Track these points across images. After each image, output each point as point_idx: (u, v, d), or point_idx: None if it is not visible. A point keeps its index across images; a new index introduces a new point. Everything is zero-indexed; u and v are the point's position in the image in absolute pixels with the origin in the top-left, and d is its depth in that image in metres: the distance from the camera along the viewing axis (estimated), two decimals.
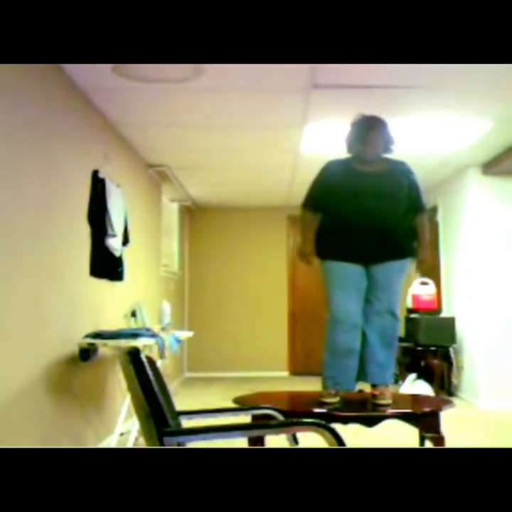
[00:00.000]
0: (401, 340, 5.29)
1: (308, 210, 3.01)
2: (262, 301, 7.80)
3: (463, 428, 4.44)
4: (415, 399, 3.33)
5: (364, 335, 2.89)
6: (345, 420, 2.64)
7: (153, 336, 3.60)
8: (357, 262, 2.86)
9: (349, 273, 2.86)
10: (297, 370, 7.68)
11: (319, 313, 7.34)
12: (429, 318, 5.84)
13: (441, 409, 2.69)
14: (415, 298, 6.03)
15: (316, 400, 2.86)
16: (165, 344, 3.72)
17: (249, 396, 3.10)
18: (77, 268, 3.47)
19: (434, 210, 6.52)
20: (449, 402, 2.83)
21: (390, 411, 2.71)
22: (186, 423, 1.89)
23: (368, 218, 2.82)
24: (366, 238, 2.83)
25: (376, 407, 2.74)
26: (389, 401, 2.78)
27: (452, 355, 5.82)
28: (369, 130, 2.84)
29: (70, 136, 3.39)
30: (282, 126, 4.29)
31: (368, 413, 2.70)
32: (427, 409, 2.73)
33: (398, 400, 3.04)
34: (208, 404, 5.44)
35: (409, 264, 2.96)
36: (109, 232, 3.84)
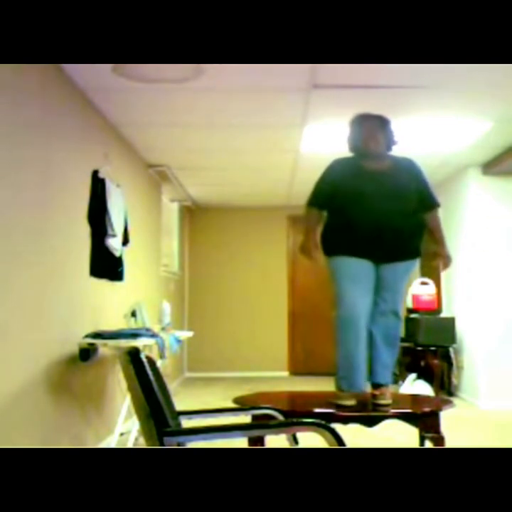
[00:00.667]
0: (401, 340, 5.29)
1: (313, 207, 2.98)
2: (262, 301, 7.80)
3: (463, 428, 4.44)
4: (415, 399, 3.33)
5: (369, 334, 2.86)
6: (345, 420, 2.63)
7: (153, 336, 3.60)
8: (368, 258, 2.83)
9: (360, 268, 2.82)
10: (297, 370, 7.68)
11: (319, 313, 7.35)
12: (429, 318, 5.84)
13: (441, 409, 2.69)
14: (415, 298, 6.03)
15: (319, 399, 2.86)
16: (165, 344, 3.72)
17: (249, 396, 3.10)
18: (77, 268, 3.47)
19: None
20: (449, 402, 2.82)
21: (390, 411, 2.70)
22: (186, 423, 1.89)
23: (377, 218, 2.79)
24: (376, 238, 2.80)
25: (376, 407, 2.74)
26: (389, 401, 2.77)
27: (452, 355, 5.82)
28: (367, 123, 2.85)
29: (70, 136, 3.39)
30: (282, 126, 4.29)
31: (368, 413, 2.70)
32: (427, 409, 2.73)
33: (398, 400, 3.04)
34: (207, 404, 5.44)
35: (415, 265, 2.95)
36: (109, 232, 3.84)
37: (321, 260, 2.99)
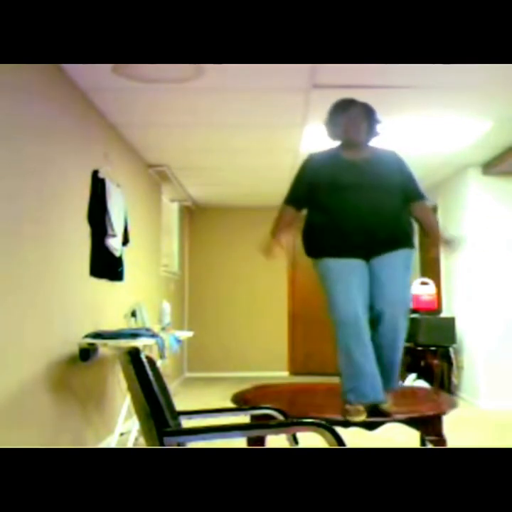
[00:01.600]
0: None
1: (289, 205, 2.79)
2: (262, 300, 7.80)
3: (463, 428, 4.44)
4: (416, 398, 3.27)
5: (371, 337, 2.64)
6: (346, 424, 2.57)
7: (153, 336, 3.60)
8: (357, 256, 2.62)
9: (350, 268, 2.60)
10: (297, 370, 7.68)
11: (319, 313, 7.34)
12: (429, 318, 5.84)
13: (444, 413, 2.58)
14: (415, 298, 6.03)
15: (320, 396, 2.80)
16: (165, 344, 3.72)
17: (247, 392, 3.06)
18: (77, 268, 3.47)
19: (434, 210, 6.52)
20: (452, 404, 2.73)
21: (392, 416, 2.57)
22: (186, 423, 1.89)
23: (360, 211, 2.60)
24: (361, 232, 2.60)
25: (378, 412, 2.58)
26: (392, 408, 2.59)
27: (452, 355, 5.82)
28: (350, 110, 2.69)
29: (70, 136, 3.39)
30: (282, 126, 4.29)
31: (369, 418, 2.55)
32: (429, 413, 2.61)
33: (399, 398, 2.97)
34: (207, 404, 5.44)
35: (411, 256, 2.73)
36: (109, 232, 3.84)
37: (279, 258, 2.80)
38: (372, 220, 2.61)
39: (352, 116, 2.69)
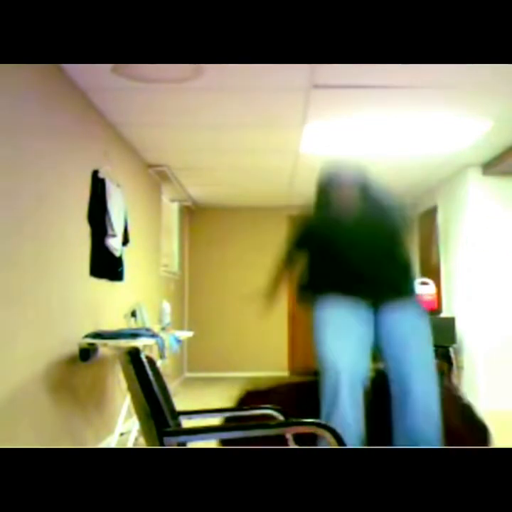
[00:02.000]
0: None
1: (285, 265, 2.68)
2: (262, 300, 7.79)
3: None
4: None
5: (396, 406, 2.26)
6: None
7: (153, 336, 3.60)
8: (359, 303, 2.36)
9: (348, 317, 2.33)
10: (297, 370, 7.67)
11: None
12: (429, 318, 5.83)
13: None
14: None
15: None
16: (165, 344, 3.72)
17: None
18: (77, 268, 3.47)
19: (434, 210, 6.52)
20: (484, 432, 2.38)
21: None
22: (186, 423, 1.89)
23: (366, 251, 2.42)
24: (363, 273, 2.39)
25: None
26: None
27: (452, 355, 5.82)
28: (337, 182, 2.51)
29: (70, 136, 3.39)
30: (282, 126, 4.29)
31: None
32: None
33: None
34: (207, 404, 5.44)
35: (425, 316, 2.45)
36: (109, 232, 3.84)
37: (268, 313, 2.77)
38: (373, 259, 2.41)
39: (344, 194, 2.49)
